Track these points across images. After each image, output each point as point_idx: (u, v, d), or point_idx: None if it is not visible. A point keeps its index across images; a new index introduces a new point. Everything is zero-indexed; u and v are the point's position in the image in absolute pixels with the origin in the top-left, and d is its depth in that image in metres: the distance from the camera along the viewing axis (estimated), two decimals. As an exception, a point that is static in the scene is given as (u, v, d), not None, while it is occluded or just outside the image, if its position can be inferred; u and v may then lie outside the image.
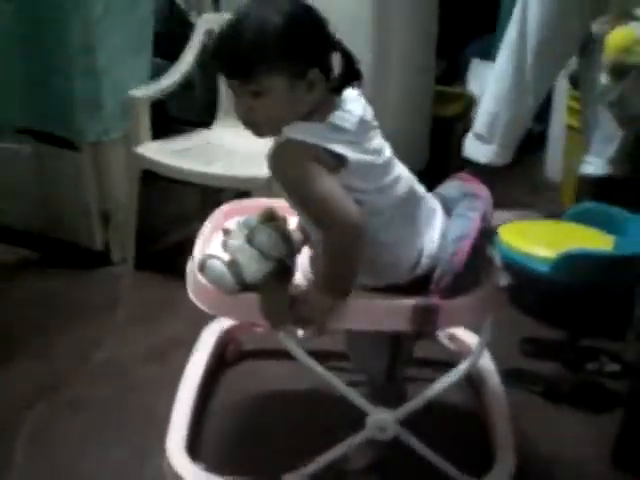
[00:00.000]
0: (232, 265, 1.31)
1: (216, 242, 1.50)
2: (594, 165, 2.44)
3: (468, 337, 1.88)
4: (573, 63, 2.48)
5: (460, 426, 1.76)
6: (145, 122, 2.43)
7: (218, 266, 1.31)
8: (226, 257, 1.34)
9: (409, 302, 1.32)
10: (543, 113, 3.23)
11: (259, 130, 1.29)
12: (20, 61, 2.39)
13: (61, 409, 1.83)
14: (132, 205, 2.46)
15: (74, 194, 2.50)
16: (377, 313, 1.35)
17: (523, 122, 2.49)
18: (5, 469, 1.63)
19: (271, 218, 1.38)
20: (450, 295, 1.33)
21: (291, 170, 1.25)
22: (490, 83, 2.49)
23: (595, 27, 1.81)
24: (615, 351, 1.99)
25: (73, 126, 2.39)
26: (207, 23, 2.64)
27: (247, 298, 1.32)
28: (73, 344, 2.09)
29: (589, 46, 2.14)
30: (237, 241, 1.34)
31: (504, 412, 1.68)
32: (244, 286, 1.32)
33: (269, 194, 1.99)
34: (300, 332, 1.36)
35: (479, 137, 2.53)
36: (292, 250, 1.37)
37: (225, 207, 1.70)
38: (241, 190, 2.23)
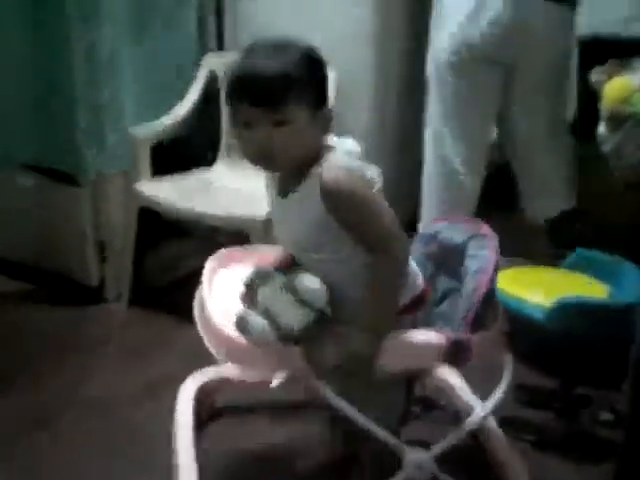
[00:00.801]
0: (271, 317, 1.27)
1: (222, 289, 1.47)
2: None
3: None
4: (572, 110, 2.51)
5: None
6: (145, 160, 2.46)
7: (260, 322, 1.26)
8: (255, 310, 1.29)
9: (443, 336, 1.35)
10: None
11: (271, 162, 1.29)
12: (25, 95, 2.42)
13: (48, 444, 1.81)
14: (129, 242, 2.46)
15: (71, 228, 2.50)
16: (416, 349, 1.35)
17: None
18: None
19: (289, 266, 1.37)
20: (473, 329, 1.37)
21: (355, 192, 1.27)
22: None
23: (593, 77, 1.83)
24: (609, 400, 1.98)
25: (73, 161, 2.41)
26: (210, 63, 2.69)
27: (278, 349, 1.30)
28: (63, 379, 2.07)
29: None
30: (273, 291, 1.29)
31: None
32: (287, 337, 1.28)
33: (266, 236, 2.00)
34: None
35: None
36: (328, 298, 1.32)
37: (223, 251, 1.65)
38: (238, 230, 2.24)
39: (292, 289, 1.27)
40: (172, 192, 2.41)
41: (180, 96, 2.62)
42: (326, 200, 1.26)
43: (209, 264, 1.54)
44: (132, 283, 2.49)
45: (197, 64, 2.71)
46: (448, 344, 1.35)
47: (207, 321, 1.39)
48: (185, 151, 2.93)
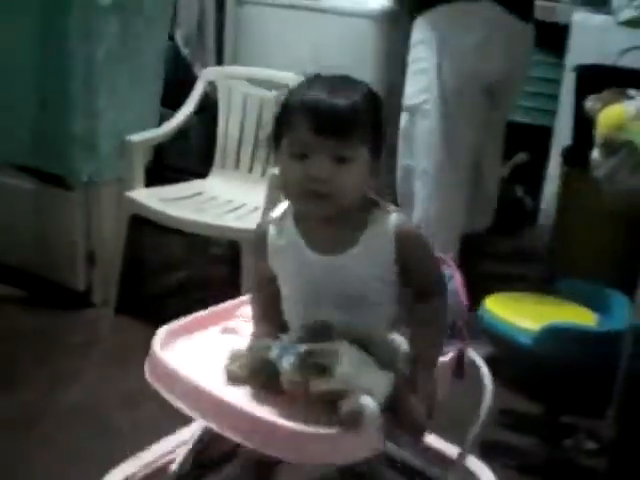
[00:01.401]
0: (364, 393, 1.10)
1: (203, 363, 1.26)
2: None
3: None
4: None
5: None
6: (139, 167, 2.45)
7: (371, 403, 1.09)
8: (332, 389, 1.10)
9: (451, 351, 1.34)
10: (536, 189, 3.29)
11: (326, 202, 1.15)
12: (23, 98, 2.42)
13: (28, 445, 1.80)
14: (119, 248, 2.45)
15: (62, 232, 2.49)
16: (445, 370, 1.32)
17: (455, 221, 2.51)
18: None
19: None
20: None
21: (426, 238, 1.26)
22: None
23: (588, 104, 1.84)
24: (593, 429, 1.97)
25: (67, 164, 2.40)
26: (209, 75, 2.70)
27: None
28: (46, 382, 2.06)
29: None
30: (349, 367, 1.09)
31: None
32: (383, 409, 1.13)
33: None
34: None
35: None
36: None
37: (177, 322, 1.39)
38: (229, 240, 2.24)
39: (368, 353, 1.13)
40: (165, 201, 2.41)
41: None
42: (404, 244, 1.19)
43: (160, 336, 1.30)
44: (120, 290, 2.48)
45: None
46: (454, 357, 1.34)
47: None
48: (179, 162, 2.94)
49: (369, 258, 1.19)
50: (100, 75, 2.36)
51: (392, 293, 1.23)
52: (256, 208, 2.34)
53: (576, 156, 2.61)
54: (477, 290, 2.42)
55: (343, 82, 1.21)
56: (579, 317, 2.15)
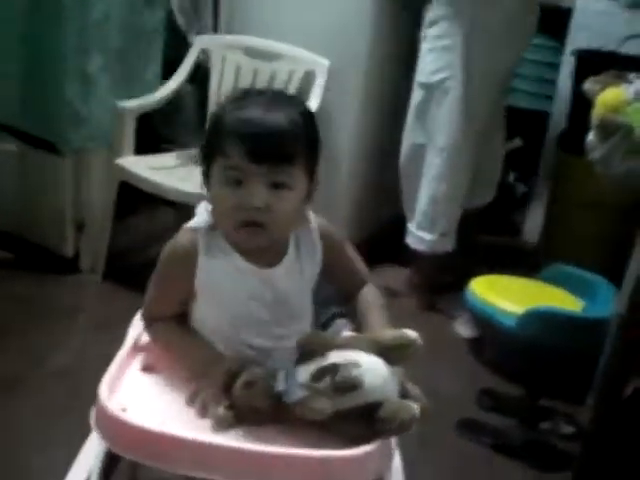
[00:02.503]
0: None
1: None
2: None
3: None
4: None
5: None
6: (130, 134, 2.43)
7: (414, 404, 1.03)
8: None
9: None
10: (528, 174, 3.27)
11: (262, 232, 1.08)
12: (15, 59, 2.38)
13: (12, 406, 1.81)
14: (107, 216, 2.44)
15: (51, 198, 2.48)
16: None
17: (459, 202, 2.50)
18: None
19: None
20: None
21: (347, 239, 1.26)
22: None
23: (587, 85, 1.82)
24: (572, 414, 1.98)
25: (58, 130, 2.38)
26: (203, 43, 2.67)
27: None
28: (31, 346, 2.07)
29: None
30: (375, 376, 1.03)
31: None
32: None
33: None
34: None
35: (420, 227, 2.51)
36: None
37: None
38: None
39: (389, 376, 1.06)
40: (153, 169, 2.40)
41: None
42: (328, 245, 1.18)
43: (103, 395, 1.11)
44: (107, 257, 2.47)
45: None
46: None
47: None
48: (170, 133, 2.92)
49: (303, 264, 1.17)
50: (94, 37, 2.33)
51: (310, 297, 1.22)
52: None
53: (571, 142, 2.60)
54: (464, 269, 2.45)
55: (278, 99, 1.13)
56: (565, 303, 2.15)
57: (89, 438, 1.29)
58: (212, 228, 1.13)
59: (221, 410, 1.04)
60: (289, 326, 1.16)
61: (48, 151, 2.42)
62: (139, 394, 1.12)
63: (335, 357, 1.03)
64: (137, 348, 1.22)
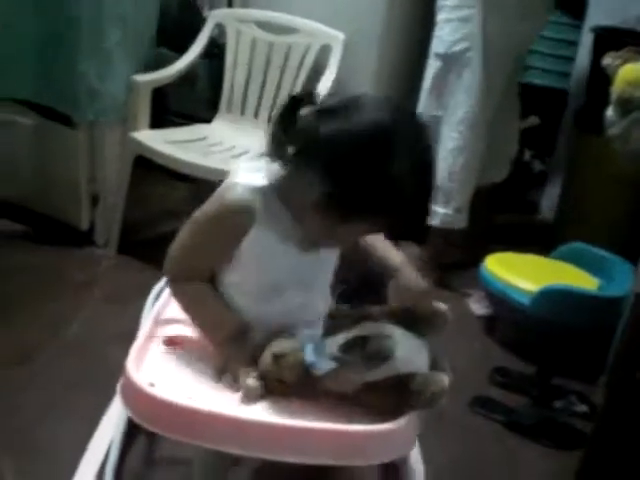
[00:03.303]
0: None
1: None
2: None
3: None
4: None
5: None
6: (145, 108, 2.43)
7: (445, 377, 1.02)
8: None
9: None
10: (545, 153, 3.25)
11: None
12: (30, 32, 2.36)
13: (27, 379, 1.82)
14: (122, 189, 2.44)
15: (66, 172, 2.47)
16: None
17: (475, 177, 2.48)
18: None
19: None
20: None
21: None
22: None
23: (606, 60, 1.80)
24: (585, 393, 1.97)
25: (73, 102, 2.37)
26: (217, 17, 2.65)
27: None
28: (46, 317, 2.08)
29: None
30: (406, 348, 1.02)
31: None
32: None
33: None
34: None
35: (434, 201, 2.44)
36: None
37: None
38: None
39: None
40: (169, 143, 2.39)
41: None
42: None
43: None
44: (122, 231, 2.48)
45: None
46: None
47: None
48: (184, 108, 2.91)
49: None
50: (110, 12, 2.32)
51: None
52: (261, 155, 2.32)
53: (589, 119, 2.57)
54: (478, 247, 2.44)
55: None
56: (580, 281, 2.14)
57: (109, 409, 1.31)
58: (269, 191, 1.06)
59: (251, 381, 1.02)
60: (317, 303, 1.14)
61: (64, 124, 2.41)
62: (164, 368, 1.10)
63: (364, 329, 1.02)
64: (159, 322, 1.19)
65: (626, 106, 1.62)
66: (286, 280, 1.09)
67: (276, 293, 1.10)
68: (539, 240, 2.75)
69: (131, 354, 1.09)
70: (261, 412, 1.01)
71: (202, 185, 2.41)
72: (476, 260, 2.28)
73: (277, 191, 1.06)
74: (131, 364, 1.06)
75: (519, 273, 2.17)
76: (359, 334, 1.01)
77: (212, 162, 2.28)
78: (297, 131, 1.00)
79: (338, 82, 2.39)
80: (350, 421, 0.99)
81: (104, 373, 1.79)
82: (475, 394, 1.93)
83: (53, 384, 1.82)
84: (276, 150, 1.03)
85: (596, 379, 1.95)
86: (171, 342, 1.15)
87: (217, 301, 1.10)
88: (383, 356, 0.98)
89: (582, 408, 1.92)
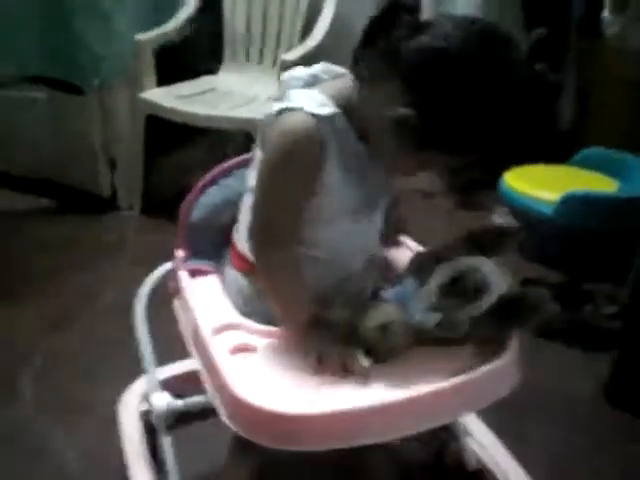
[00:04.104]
0: None
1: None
2: None
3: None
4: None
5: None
6: (150, 67, 2.44)
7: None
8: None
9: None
10: (556, 64, 3.20)
11: None
12: (28, 6, 2.39)
13: (65, 347, 1.87)
14: (138, 151, 2.47)
15: (82, 141, 2.51)
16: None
17: None
18: (14, 401, 1.67)
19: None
20: None
21: None
22: None
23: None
24: (614, 294, 1.99)
25: (77, 69, 2.39)
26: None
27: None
28: (81, 283, 2.13)
29: None
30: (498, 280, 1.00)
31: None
32: None
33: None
34: None
35: None
36: None
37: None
38: (245, 135, 2.23)
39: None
40: (178, 98, 2.41)
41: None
42: None
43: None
44: (143, 192, 2.52)
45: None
46: None
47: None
48: (189, 59, 2.91)
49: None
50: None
51: None
52: (269, 99, 2.32)
53: (590, 25, 2.53)
54: (495, 165, 2.42)
55: None
56: (600, 185, 2.14)
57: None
58: (335, 120, 0.95)
59: (365, 361, 0.95)
60: (376, 235, 1.11)
61: (76, 94, 2.44)
62: (258, 380, 0.96)
63: (447, 270, 1.00)
64: (218, 329, 1.05)
65: (620, 5, 1.60)
66: (361, 205, 1.03)
67: (355, 218, 1.03)
68: (556, 150, 2.73)
69: (225, 377, 0.94)
70: (384, 392, 0.93)
71: (216, 138, 2.44)
72: (494, 178, 2.28)
73: (349, 115, 0.96)
74: (234, 386, 0.92)
75: (538, 184, 2.17)
76: (448, 277, 0.99)
77: (221, 112, 2.29)
78: (391, 39, 0.92)
79: (338, 15, 2.37)
80: (462, 368, 0.95)
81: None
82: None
83: (93, 346, 1.86)
84: (364, 56, 0.94)
85: (624, 280, 1.96)
86: (238, 349, 1.03)
87: (297, 275, 1.00)
88: (480, 288, 0.98)
89: (612, 309, 1.94)
